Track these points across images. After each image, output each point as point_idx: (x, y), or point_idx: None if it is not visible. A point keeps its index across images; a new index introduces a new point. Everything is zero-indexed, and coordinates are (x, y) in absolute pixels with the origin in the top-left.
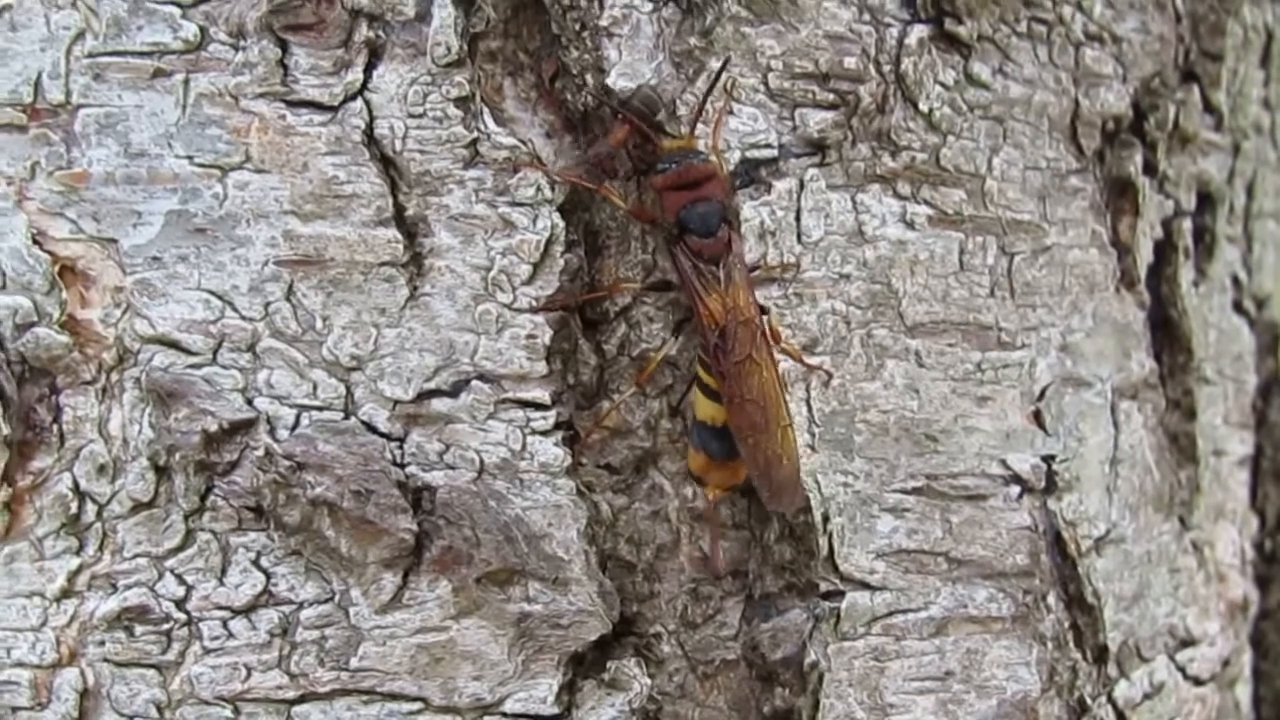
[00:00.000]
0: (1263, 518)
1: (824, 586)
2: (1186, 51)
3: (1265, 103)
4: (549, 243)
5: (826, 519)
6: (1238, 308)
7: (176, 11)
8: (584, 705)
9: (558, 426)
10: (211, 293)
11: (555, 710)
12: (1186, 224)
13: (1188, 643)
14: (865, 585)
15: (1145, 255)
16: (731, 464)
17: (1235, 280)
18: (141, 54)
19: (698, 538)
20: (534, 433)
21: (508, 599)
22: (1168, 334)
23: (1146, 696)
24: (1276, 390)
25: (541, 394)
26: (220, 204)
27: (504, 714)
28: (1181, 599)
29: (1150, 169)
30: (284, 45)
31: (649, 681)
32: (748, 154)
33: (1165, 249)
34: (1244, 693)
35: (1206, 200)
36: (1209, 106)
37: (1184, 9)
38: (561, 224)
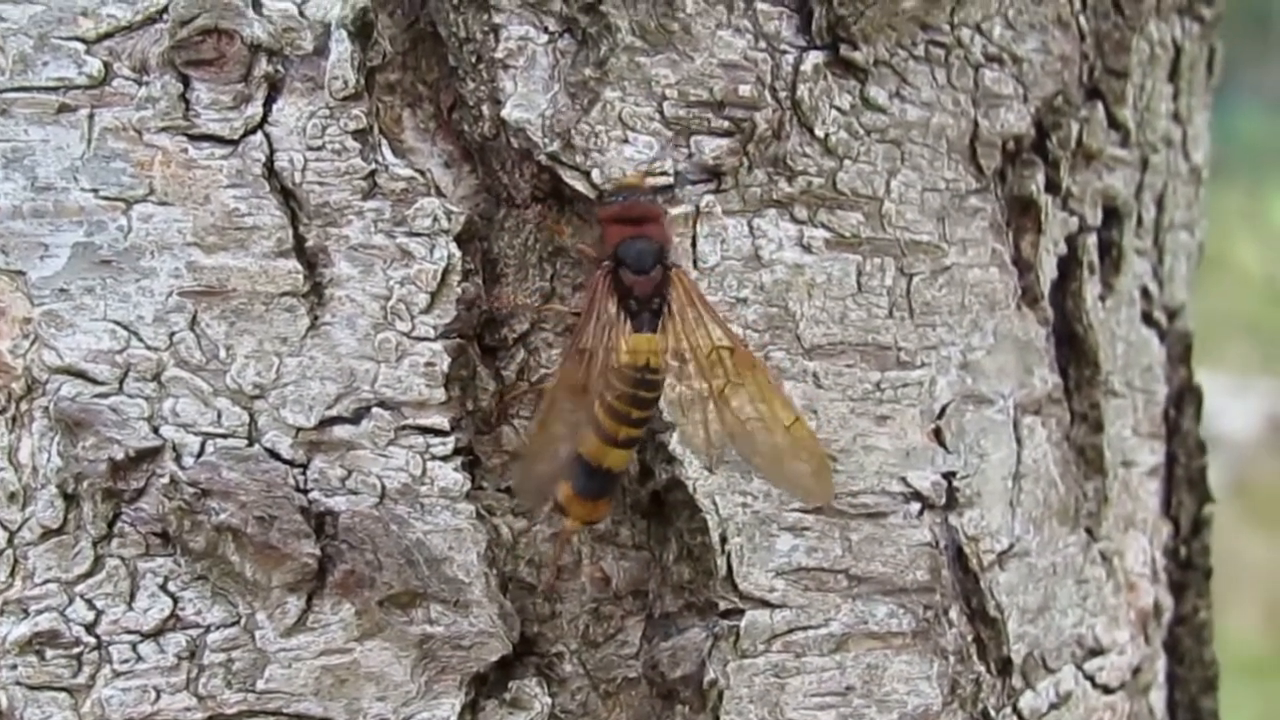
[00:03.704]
0: (1176, 525)
1: (723, 605)
2: (1091, 69)
3: (1175, 116)
4: (446, 272)
5: (724, 539)
6: (1147, 319)
7: (81, 48)
8: None
9: (457, 452)
10: (117, 323)
11: None
12: (1091, 239)
13: (1096, 652)
14: (765, 603)
15: (1049, 272)
16: (595, 502)
17: (1145, 292)
18: (47, 89)
19: (598, 558)
20: (434, 458)
21: (410, 621)
22: (1074, 348)
23: (1053, 706)
24: (1189, 399)
25: (441, 420)
26: (125, 236)
27: None
28: (1090, 609)
29: (1053, 186)
30: (186, 80)
31: (550, 701)
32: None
33: (1070, 264)
34: (1158, 699)
35: (1113, 215)
36: (1114, 123)
37: (1088, 27)
38: (458, 254)
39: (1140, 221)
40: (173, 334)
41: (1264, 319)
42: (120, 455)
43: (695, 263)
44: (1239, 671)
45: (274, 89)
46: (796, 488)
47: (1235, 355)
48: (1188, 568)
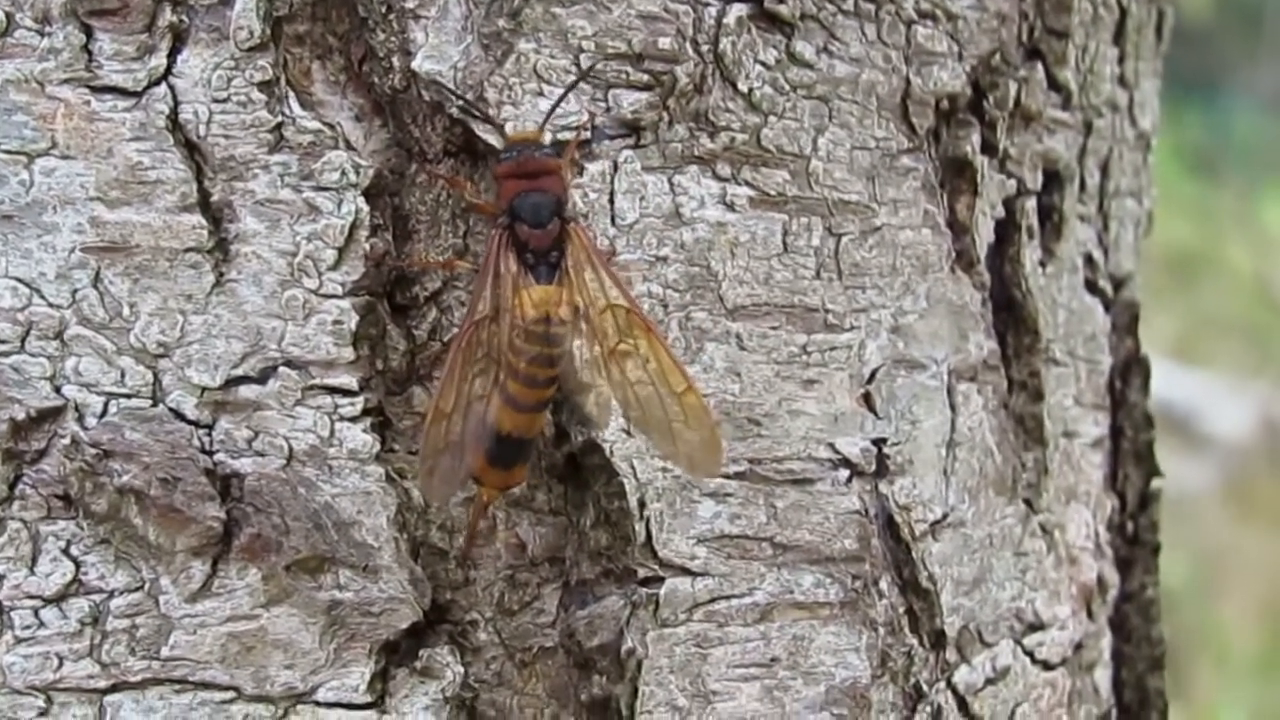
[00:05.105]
0: (1123, 499)
1: (642, 573)
2: (1031, 28)
3: (1121, 80)
4: (354, 227)
5: (643, 504)
6: (1091, 287)
7: None
8: (397, 694)
9: (366, 413)
10: (19, 280)
11: (368, 698)
12: (1030, 203)
13: (1036, 626)
14: (686, 571)
15: (985, 235)
16: (509, 469)
17: (1089, 260)
18: None
19: (514, 524)
20: (342, 419)
21: (318, 587)
22: (1012, 314)
23: (990, 681)
24: (1135, 370)
25: (349, 380)
26: (27, 191)
27: (317, 703)
28: (1029, 582)
29: (989, 148)
30: (88, 31)
31: (463, 669)
32: (559, 136)
33: (1008, 228)
34: (1103, 676)
35: (1055, 179)
36: (1055, 84)
37: None
38: (366, 208)
39: (1084, 187)
40: (75, 291)
41: (1257, 321)
42: (21, 415)
43: (613, 219)
44: (1234, 669)
45: (178, 39)
46: (683, 459)
47: (1228, 357)
48: (1135, 543)
